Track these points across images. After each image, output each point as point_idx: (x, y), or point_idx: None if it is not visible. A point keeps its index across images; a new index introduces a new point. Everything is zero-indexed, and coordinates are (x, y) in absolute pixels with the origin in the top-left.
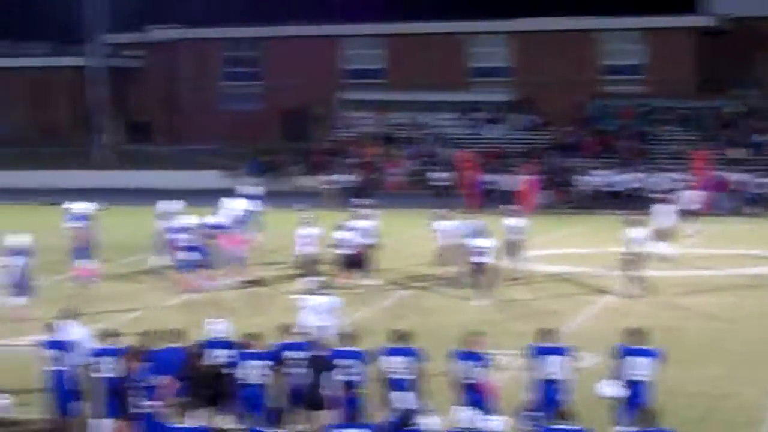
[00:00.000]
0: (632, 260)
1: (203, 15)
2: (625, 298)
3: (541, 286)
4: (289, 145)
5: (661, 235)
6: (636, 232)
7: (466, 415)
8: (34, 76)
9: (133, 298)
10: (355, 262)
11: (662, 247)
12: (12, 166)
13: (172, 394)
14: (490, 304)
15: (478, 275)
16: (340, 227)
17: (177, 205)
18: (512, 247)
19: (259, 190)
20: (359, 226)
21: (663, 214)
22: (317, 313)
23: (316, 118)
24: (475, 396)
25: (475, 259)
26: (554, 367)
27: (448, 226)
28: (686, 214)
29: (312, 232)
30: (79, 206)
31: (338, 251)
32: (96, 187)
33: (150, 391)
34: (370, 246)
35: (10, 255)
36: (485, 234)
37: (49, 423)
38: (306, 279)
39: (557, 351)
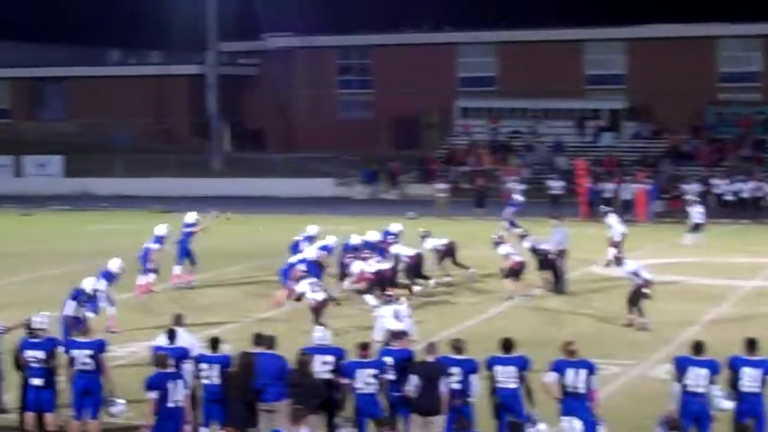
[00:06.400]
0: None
1: (318, 23)
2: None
3: (653, 295)
4: (401, 153)
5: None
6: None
7: (574, 424)
8: (152, 84)
9: (239, 306)
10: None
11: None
12: (130, 173)
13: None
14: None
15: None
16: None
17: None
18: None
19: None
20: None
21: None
22: (397, 318)
23: (428, 125)
24: (580, 405)
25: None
26: (699, 380)
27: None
28: None
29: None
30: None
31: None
32: (212, 195)
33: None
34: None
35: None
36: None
37: None
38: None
39: (702, 364)
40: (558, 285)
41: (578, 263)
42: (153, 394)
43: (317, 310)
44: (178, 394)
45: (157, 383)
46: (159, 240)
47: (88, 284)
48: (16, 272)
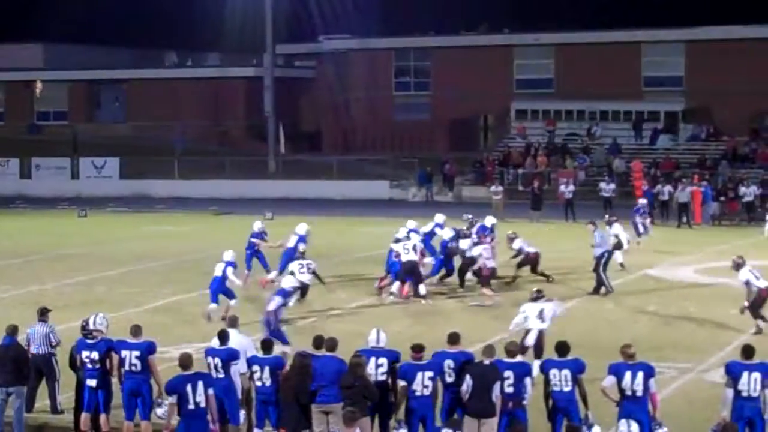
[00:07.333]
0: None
1: (374, 25)
2: None
3: (709, 298)
4: (457, 155)
5: None
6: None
7: (631, 428)
8: (209, 87)
9: (296, 308)
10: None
11: None
12: (187, 175)
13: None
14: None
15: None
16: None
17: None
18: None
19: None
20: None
21: None
22: (540, 318)
23: (485, 128)
24: (638, 408)
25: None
26: (752, 384)
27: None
28: None
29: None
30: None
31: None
32: (268, 197)
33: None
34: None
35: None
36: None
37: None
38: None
39: (755, 368)
40: (598, 289)
41: (634, 267)
42: (172, 399)
43: None
44: (199, 396)
45: (174, 387)
46: (303, 239)
47: (288, 283)
48: (71, 273)
